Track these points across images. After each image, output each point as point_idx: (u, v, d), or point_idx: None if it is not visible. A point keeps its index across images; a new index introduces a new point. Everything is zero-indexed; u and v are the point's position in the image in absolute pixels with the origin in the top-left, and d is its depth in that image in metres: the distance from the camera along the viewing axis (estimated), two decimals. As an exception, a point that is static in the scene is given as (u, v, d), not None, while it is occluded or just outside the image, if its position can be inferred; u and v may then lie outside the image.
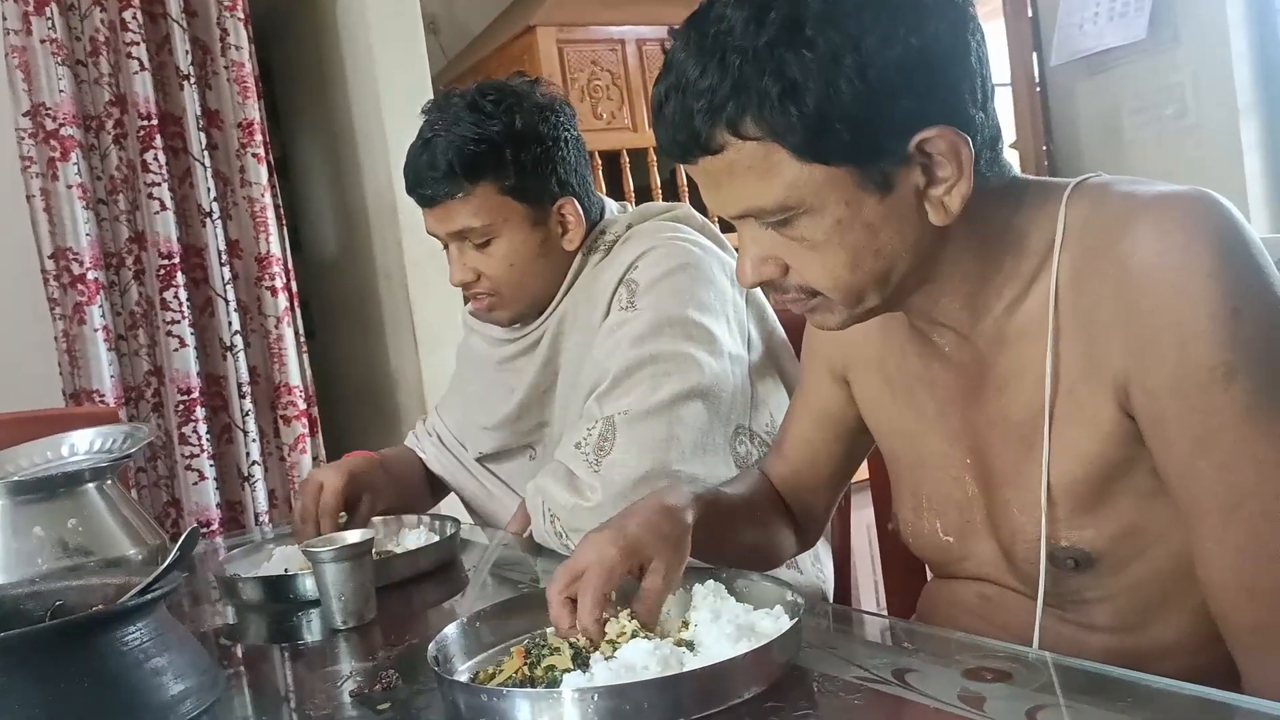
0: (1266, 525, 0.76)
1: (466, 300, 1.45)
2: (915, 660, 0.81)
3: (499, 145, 1.32)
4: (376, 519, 1.42)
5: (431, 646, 0.85)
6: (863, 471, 1.22)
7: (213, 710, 0.82)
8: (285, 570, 1.26)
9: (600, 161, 2.98)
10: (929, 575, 1.10)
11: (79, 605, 0.87)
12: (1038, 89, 3.20)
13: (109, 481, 1.10)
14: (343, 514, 1.38)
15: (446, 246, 1.40)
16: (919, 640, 0.88)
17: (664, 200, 3.15)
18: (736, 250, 0.91)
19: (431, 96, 2.76)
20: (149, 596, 0.76)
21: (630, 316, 1.28)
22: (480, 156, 1.32)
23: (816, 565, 1.34)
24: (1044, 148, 3.21)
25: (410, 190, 1.37)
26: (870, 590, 2.42)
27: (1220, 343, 0.75)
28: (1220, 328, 0.75)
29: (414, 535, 1.35)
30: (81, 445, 1.16)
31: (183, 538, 0.81)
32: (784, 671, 0.78)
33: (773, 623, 0.84)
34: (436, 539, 1.30)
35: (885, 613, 1.39)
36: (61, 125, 2.42)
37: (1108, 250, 0.81)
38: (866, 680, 0.77)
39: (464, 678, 0.86)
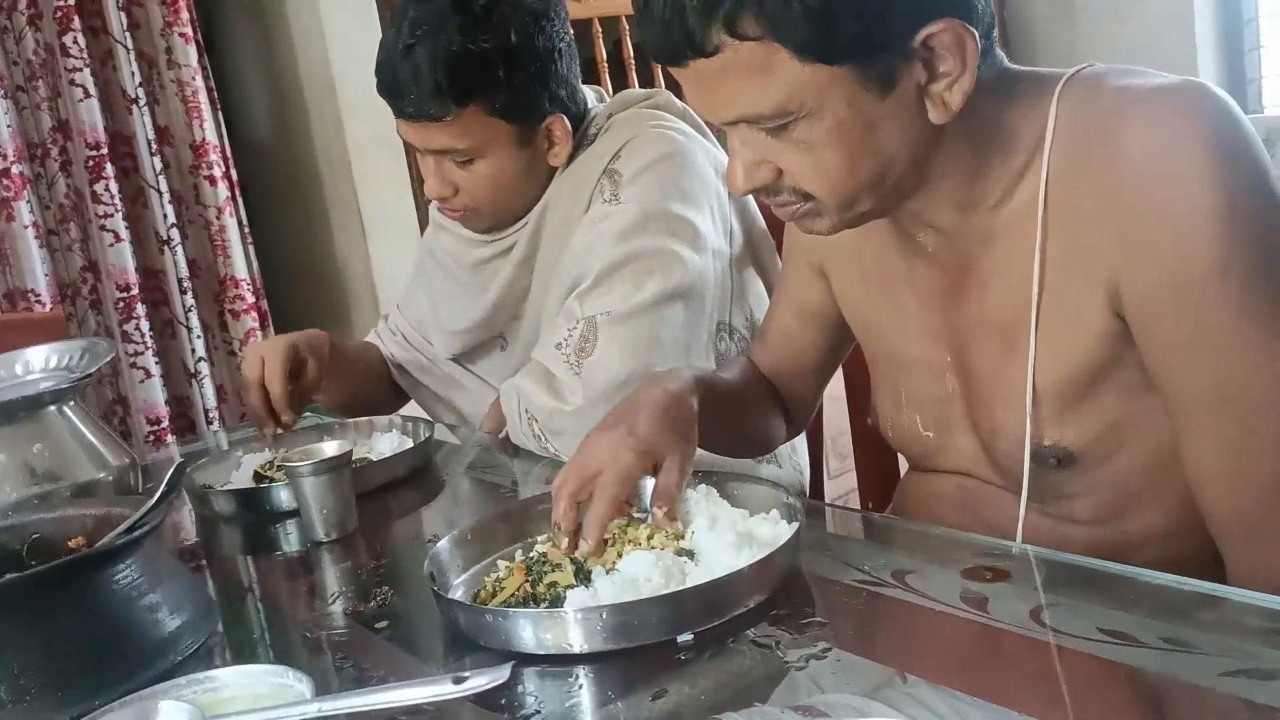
0: (1256, 419, 0.77)
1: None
2: (912, 560, 0.82)
3: (492, 63, 1.20)
4: (348, 421, 1.39)
5: (427, 564, 0.84)
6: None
7: (211, 643, 0.80)
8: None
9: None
10: (903, 469, 1.11)
11: (57, 536, 0.84)
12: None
13: (71, 403, 1.06)
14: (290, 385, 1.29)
15: (421, 153, 1.29)
16: (912, 539, 0.89)
17: (610, 76, 3.07)
18: (724, 148, 0.88)
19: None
20: (137, 533, 0.73)
21: (613, 209, 1.24)
22: (470, 75, 1.19)
23: (794, 457, 1.34)
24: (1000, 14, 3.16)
25: (384, 94, 1.24)
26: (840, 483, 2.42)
27: (1216, 239, 0.74)
28: (1216, 224, 0.74)
29: (386, 440, 1.32)
30: (36, 363, 1.10)
31: (170, 472, 0.78)
32: (785, 577, 0.78)
33: (771, 528, 0.84)
34: (410, 443, 1.28)
35: (859, 507, 1.40)
36: (-31, 8, 2.26)
37: (1100, 144, 0.79)
38: (867, 583, 0.78)
39: (460, 592, 0.86)
